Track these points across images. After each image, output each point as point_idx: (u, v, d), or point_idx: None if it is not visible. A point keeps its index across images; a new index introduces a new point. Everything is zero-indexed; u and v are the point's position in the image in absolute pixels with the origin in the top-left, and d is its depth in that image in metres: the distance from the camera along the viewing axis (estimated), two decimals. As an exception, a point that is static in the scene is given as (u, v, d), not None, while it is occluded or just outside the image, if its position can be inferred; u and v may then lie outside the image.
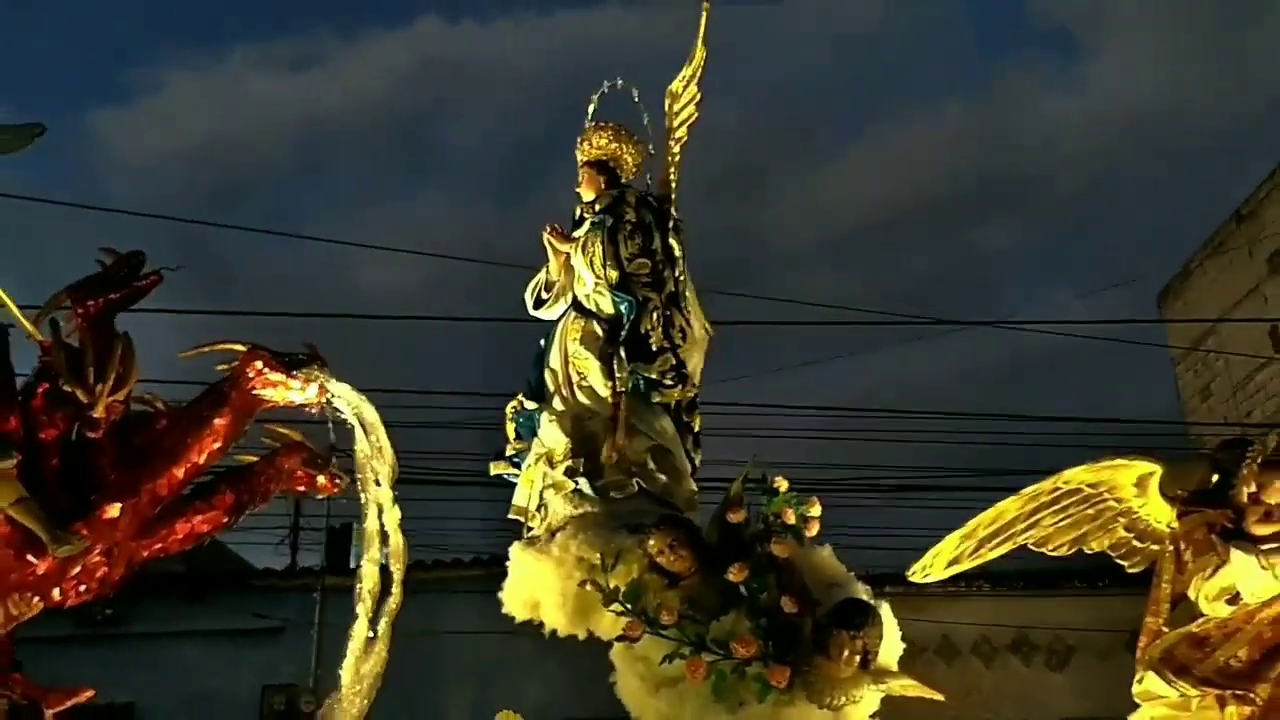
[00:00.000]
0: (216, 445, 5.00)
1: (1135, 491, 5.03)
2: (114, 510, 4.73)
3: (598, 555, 4.53)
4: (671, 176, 5.36)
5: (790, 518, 4.69)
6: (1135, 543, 5.11)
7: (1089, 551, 5.17)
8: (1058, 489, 5.10)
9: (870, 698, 4.53)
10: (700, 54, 5.20)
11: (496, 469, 5.16)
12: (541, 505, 4.90)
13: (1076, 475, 5.07)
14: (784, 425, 10.96)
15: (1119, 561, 5.17)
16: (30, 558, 4.64)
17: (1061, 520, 5.14)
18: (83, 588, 4.88)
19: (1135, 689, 4.86)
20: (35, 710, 4.62)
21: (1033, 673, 11.42)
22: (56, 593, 4.82)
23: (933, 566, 5.27)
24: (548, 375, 5.13)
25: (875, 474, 11.76)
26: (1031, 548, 5.19)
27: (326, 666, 9.99)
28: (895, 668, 4.66)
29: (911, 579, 5.32)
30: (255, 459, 5.22)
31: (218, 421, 4.95)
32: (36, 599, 4.77)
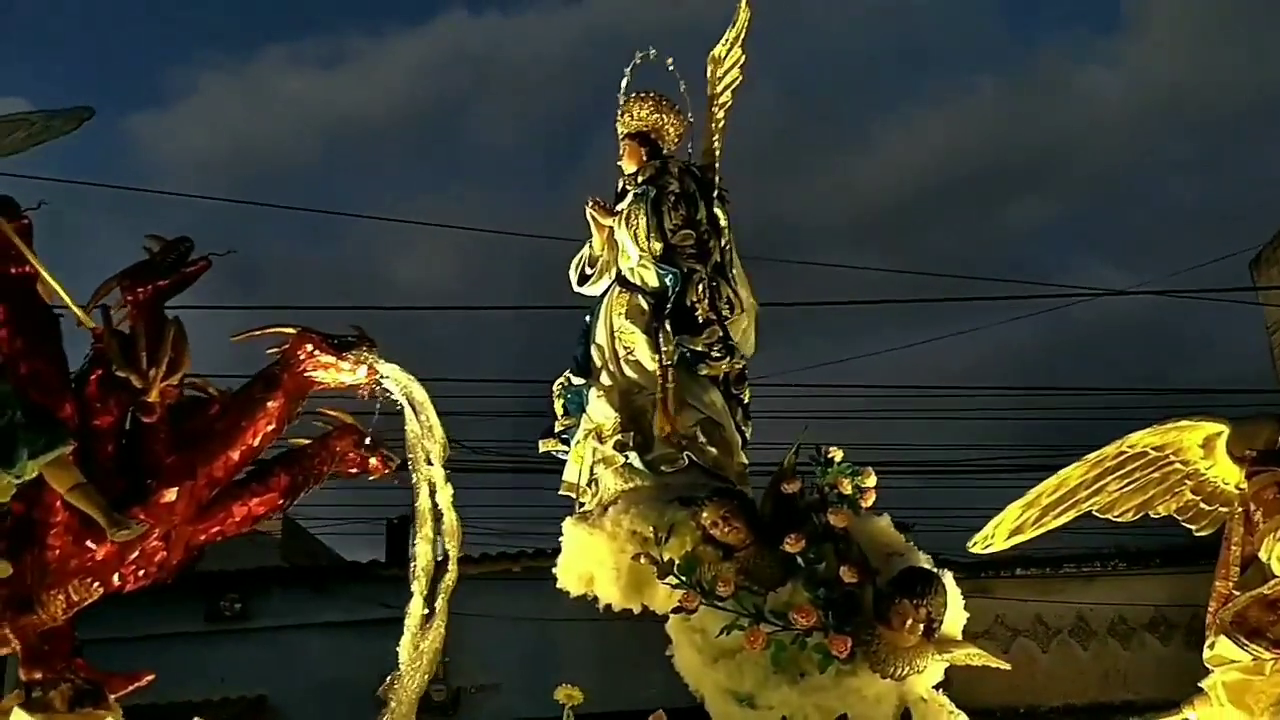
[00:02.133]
0: (270, 428, 5.10)
1: (1201, 453, 4.97)
2: (171, 495, 4.84)
3: (650, 529, 4.58)
4: (715, 144, 5.36)
5: (846, 488, 4.70)
6: (1203, 505, 5.05)
7: (1155, 516, 5.11)
8: (1122, 453, 5.06)
9: (934, 667, 4.53)
10: (744, 14, 5.17)
11: (546, 446, 5.22)
12: (592, 480, 4.97)
13: (1141, 439, 5.03)
14: (856, 407, 10.88)
15: (1186, 525, 5.07)
16: (89, 544, 4.76)
17: (1127, 485, 5.11)
18: (141, 572, 5.00)
19: (1206, 654, 4.82)
20: (99, 694, 4.70)
21: (1172, 651, 11.25)
22: (116, 578, 4.94)
23: (994, 537, 5.24)
24: (594, 351, 5.19)
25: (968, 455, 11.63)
26: (1095, 514, 5.15)
27: (453, 654, 10.15)
28: (959, 636, 4.59)
29: (972, 550, 5.27)
30: (308, 442, 5.29)
31: (270, 404, 5.05)
32: (96, 584, 4.88)
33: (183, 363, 4.92)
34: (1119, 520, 5.15)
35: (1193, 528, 5.11)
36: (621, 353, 5.06)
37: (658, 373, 4.95)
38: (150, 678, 5.21)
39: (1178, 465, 5.01)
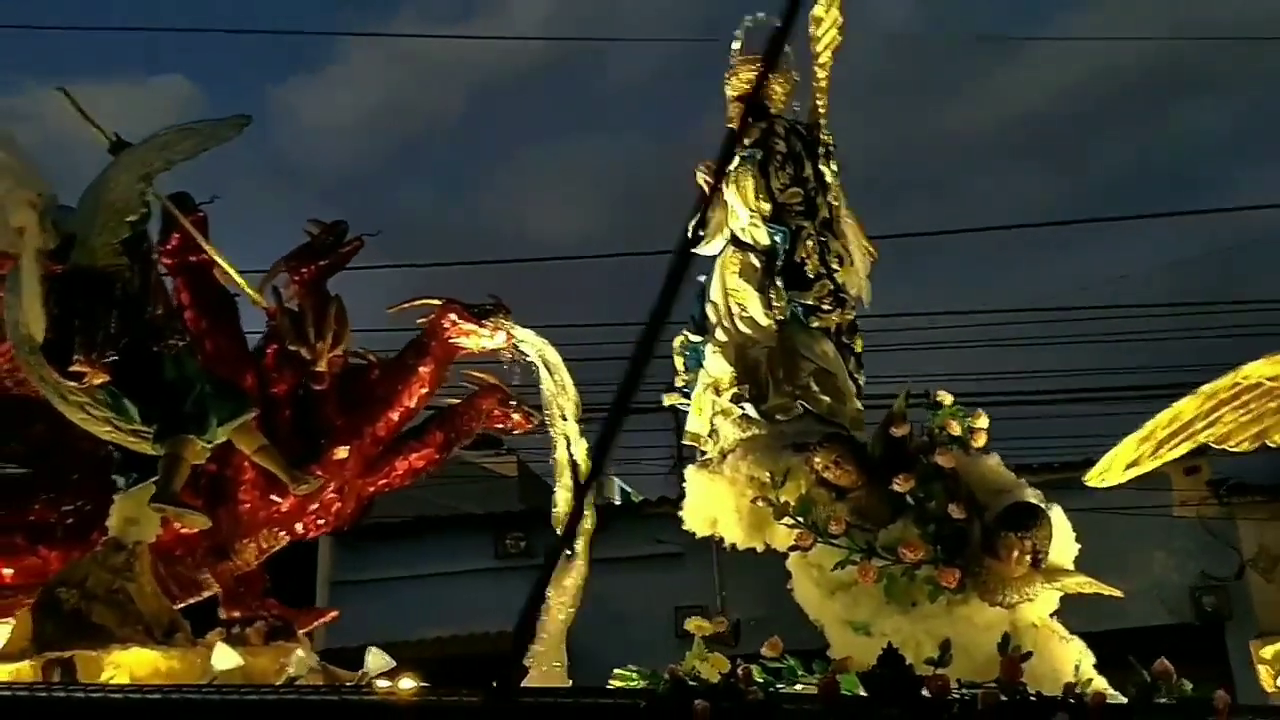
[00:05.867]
0: (424, 390, 5.61)
1: (1319, 382, 4.91)
2: (342, 452, 5.41)
3: (767, 474, 4.92)
4: (819, 103, 5.54)
5: (955, 429, 4.89)
6: (1321, 434, 5.01)
7: (1273, 446, 5.10)
8: (1237, 384, 5.12)
9: (1046, 596, 4.75)
10: None
11: (669, 400, 5.55)
12: (713, 431, 5.28)
13: (1256, 369, 5.08)
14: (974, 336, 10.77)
15: (1303, 454, 5.07)
16: (275, 498, 5.36)
17: (1243, 416, 5.16)
18: (321, 521, 5.60)
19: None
20: (289, 630, 5.27)
21: None
22: (299, 527, 5.56)
23: (1109, 471, 5.31)
24: (709, 309, 5.49)
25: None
26: (1213, 446, 5.15)
27: (730, 588, 10.65)
28: (1070, 566, 4.75)
29: (1088, 484, 5.36)
30: (458, 401, 5.76)
31: (422, 369, 5.57)
32: (283, 533, 5.50)
33: (345, 334, 5.47)
34: (1236, 451, 5.16)
35: (1312, 457, 5.11)
36: (735, 310, 5.36)
37: (770, 328, 5.20)
38: (334, 614, 5.80)
39: (1295, 395, 5.00)
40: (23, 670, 4.41)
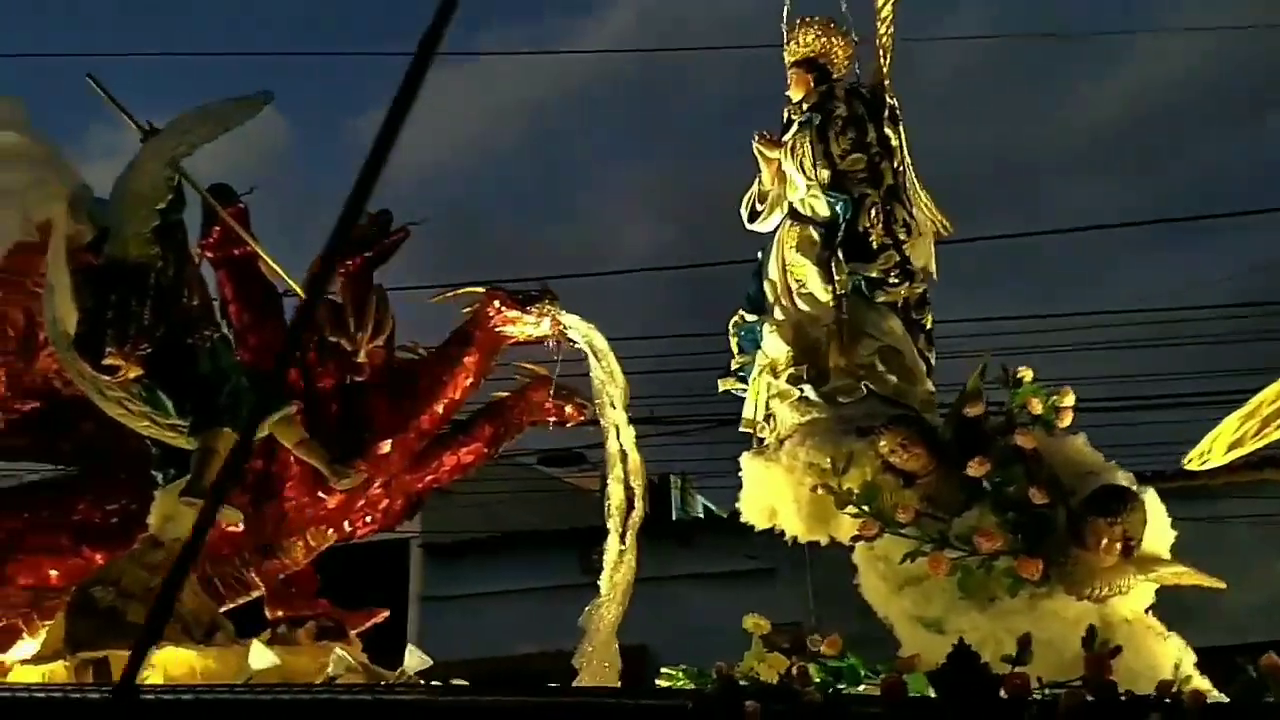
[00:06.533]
0: (469, 381, 5.42)
1: None
2: (386, 446, 5.25)
3: (828, 460, 4.60)
4: (882, 63, 5.14)
5: (1036, 408, 4.53)
6: None
7: (1397, 421, 4.58)
8: (1356, 353, 4.57)
9: (1141, 589, 4.34)
10: None
11: (724, 385, 5.25)
12: (769, 415, 4.97)
13: (1377, 336, 4.53)
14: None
15: None
16: (321, 494, 5.22)
17: (1362, 388, 4.60)
18: (369, 519, 5.44)
19: None
20: (340, 630, 5.11)
21: None
22: (347, 525, 5.39)
23: (1212, 451, 4.87)
24: (766, 286, 5.22)
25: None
26: (1326, 423, 4.66)
27: (823, 605, 10.35)
28: (1166, 556, 4.33)
29: (1188, 467, 4.92)
30: (507, 394, 5.55)
31: (467, 360, 5.38)
32: (330, 531, 5.35)
33: (386, 325, 5.30)
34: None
35: None
36: (794, 286, 5.06)
37: (830, 303, 4.86)
38: (385, 614, 5.61)
39: None
40: (56, 671, 4.31)
